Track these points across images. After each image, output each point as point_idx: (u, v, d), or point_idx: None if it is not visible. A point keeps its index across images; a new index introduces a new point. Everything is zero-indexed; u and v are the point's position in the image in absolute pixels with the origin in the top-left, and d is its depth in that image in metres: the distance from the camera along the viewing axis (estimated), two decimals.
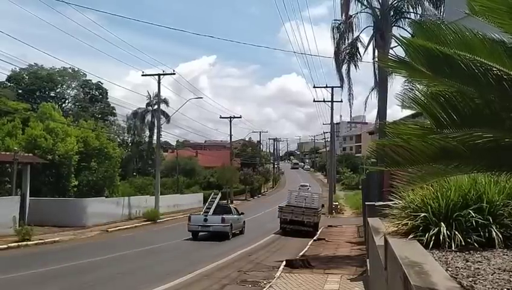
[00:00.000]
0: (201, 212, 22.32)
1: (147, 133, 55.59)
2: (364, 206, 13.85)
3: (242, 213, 24.16)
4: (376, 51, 20.44)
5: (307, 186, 55.54)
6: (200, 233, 21.01)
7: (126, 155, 47.02)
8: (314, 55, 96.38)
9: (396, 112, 74.33)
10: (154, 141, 42.83)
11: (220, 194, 24.11)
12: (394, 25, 20.91)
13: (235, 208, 24.64)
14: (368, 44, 21.83)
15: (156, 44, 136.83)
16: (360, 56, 22.18)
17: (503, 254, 3.81)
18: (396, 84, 20.58)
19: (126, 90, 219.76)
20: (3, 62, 48.35)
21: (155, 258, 15.31)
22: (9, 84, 45.07)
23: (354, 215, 37.01)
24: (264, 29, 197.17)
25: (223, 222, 20.68)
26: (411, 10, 20.70)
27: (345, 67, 22.45)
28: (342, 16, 21.53)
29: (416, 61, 2.87)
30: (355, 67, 22.33)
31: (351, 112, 59.87)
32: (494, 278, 2.92)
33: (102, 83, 50.87)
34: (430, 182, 4.12)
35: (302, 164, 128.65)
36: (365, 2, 21.17)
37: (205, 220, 20.86)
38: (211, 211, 21.46)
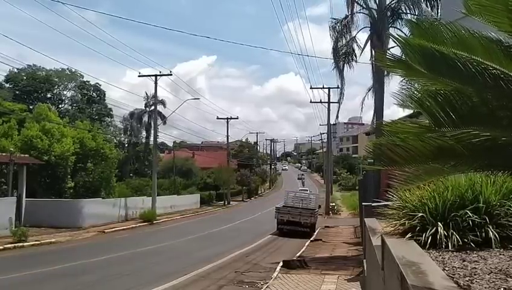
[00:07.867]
0: None
1: (144, 134, 55.48)
2: (361, 207, 13.84)
3: None
4: (373, 51, 20.46)
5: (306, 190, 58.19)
6: None
7: (123, 156, 46.88)
8: (312, 56, 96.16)
9: (393, 112, 74.78)
10: (151, 142, 42.72)
11: None
12: (391, 26, 20.95)
13: None
14: (365, 45, 21.86)
15: (153, 45, 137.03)
16: (356, 56, 22.24)
17: (500, 254, 3.81)
18: (394, 84, 20.62)
19: (123, 91, 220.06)
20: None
21: (152, 259, 15.26)
22: (7, 85, 44.96)
23: (351, 216, 37.01)
24: (264, 30, 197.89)
25: None
26: (408, 11, 20.74)
27: (341, 65, 22.48)
28: (347, 11, 21.50)
29: (413, 60, 2.87)
30: (349, 67, 22.40)
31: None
32: (490, 277, 2.92)
33: (100, 85, 50.84)
34: (427, 182, 4.12)
35: (299, 164, 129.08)
36: (362, 3, 21.21)
37: None
38: None
